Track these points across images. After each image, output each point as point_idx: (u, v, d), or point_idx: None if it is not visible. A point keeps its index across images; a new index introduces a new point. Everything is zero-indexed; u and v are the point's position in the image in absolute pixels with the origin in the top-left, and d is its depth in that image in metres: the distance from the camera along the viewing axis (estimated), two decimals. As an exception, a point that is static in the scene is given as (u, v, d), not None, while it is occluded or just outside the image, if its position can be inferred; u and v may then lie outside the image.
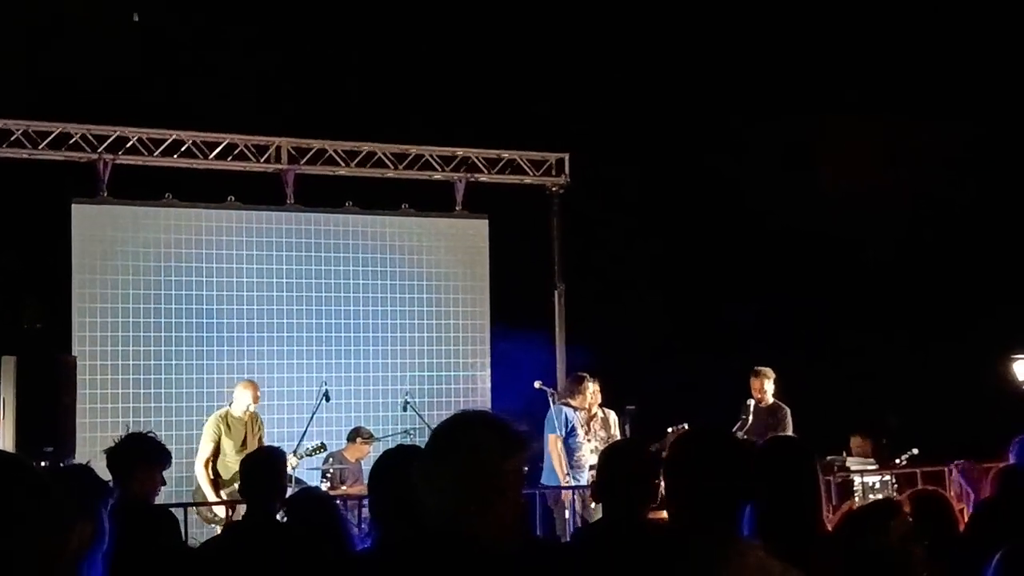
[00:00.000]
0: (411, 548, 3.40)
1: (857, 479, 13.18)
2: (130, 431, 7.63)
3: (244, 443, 12.22)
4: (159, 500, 7.31)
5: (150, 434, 7.24)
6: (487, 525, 3.37)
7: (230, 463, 12.08)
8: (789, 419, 13.25)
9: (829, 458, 14.05)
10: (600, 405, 13.55)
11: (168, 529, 6.82)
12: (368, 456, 12.84)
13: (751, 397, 13.29)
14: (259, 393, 12.69)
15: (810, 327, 16.58)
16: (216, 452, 12.30)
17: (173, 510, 7.74)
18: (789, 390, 13.61)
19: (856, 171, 16.64)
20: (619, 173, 16.49)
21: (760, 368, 13.41)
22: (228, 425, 12.42)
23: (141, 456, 6.90)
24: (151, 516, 6.68)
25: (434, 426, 3.60)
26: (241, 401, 12.52)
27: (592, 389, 13.38)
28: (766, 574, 3.82)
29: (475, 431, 3.45)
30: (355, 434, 13.15)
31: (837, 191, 16.57)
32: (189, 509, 11.21)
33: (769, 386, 13.31)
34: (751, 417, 13.14)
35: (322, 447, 12.71)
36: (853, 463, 14.16)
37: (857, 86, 16.81)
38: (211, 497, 12.10)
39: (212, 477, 12.25)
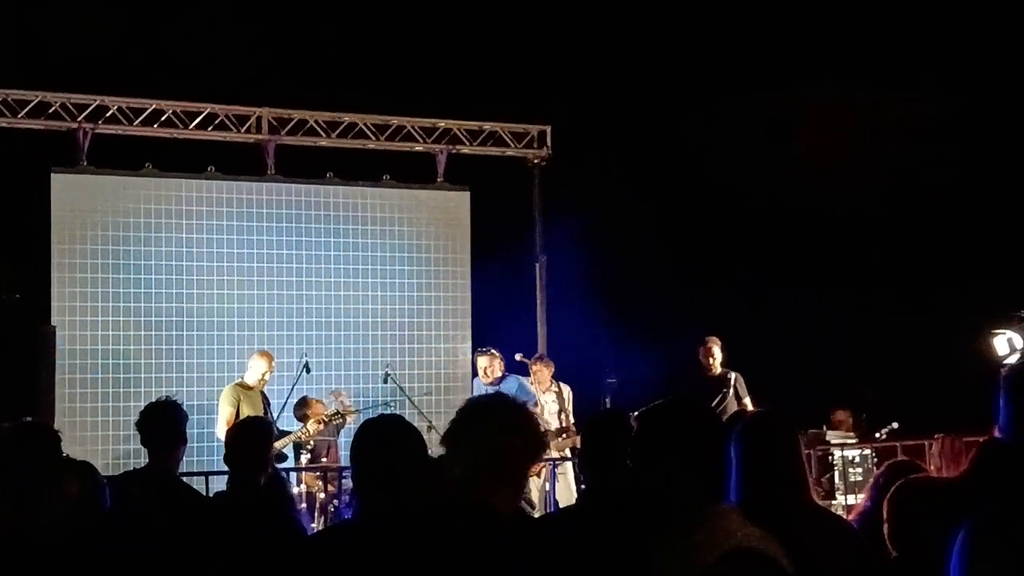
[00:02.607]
0: (395, 519, 3.52)
1: (837, 452, 13.21)
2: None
3: (266, 413, 12.24)
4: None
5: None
6: (506, 495, 3.60)
7: None
8: (743, 385, 13.34)
9: (810, 431, 14.12)
10: (554, 379, 13.66)
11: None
12: (349, 427, 12.81)
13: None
14: (274, 364, 12.71)
15: (791, 300, 16.57)
16: (236, 418, 12.21)
17: (189, 479, 7.79)
18: (771, 363, 13.64)
19: (834, 144, 16.62)
20: (600, 144, 16.46)
21: (708, 337, 13.49)
22: (246, 393, 12.40)
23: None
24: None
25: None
26: (256, 370, 12.53)
27: (483, 364, 13.61)
28: (744, 537, 3.83)
29: (500, 411, 3.67)
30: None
31: (816, 164, 16.55)
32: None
33: (716, 352, 13.41)
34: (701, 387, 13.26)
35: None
36: (833, 437, 14.23)
37: (835, 57, 16.77)
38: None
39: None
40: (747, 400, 13.13)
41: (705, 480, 4.07)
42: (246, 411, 12.18)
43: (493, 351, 13.62)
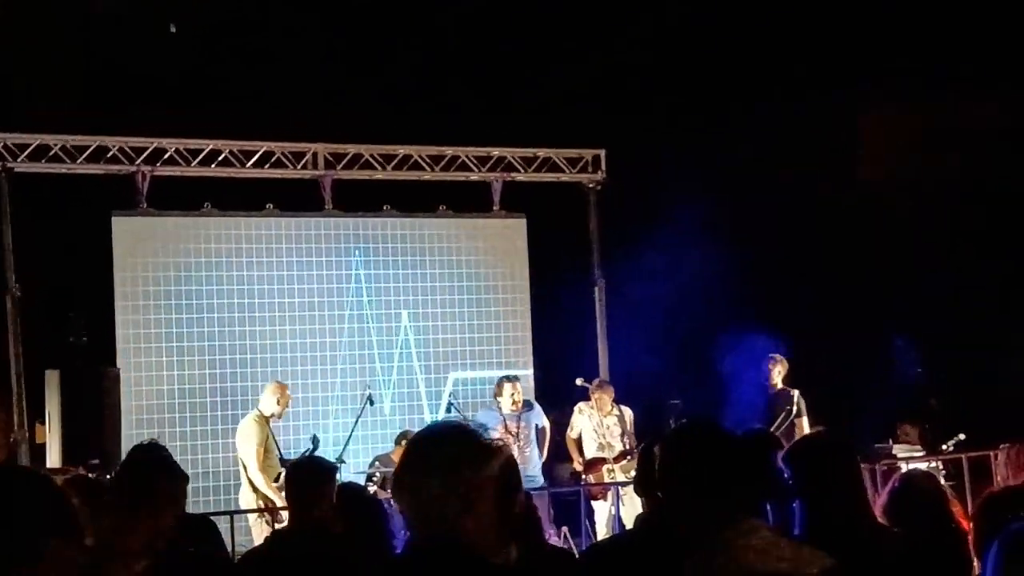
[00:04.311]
0: (424, 555, 3.48)
1: (903, 466, 13.10)
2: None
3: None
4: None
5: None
6: (479, 530, 3.42)
7: (275, 464, 12.06)
8: (802, 404, 13.27)
9: (876, 446, 14.03)
10: (615, 402, 13.66)
11: (214, 538, 6.88)
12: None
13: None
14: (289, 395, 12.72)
15: (856, 317, 16.47)
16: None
17: (216, 518, 7.80)
18: (838, 379, 13.56)
19: (896, 156, 16.49)
20: (657, 166, 16.43)
21: (771, 355, 13.48)
22: (268, 425, 12.39)
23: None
24: (193, 525, 6.71)
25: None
26: (278, 402, 12.48)
27: (509, 391, 13.57)
28: (771, 554, 3.81)
29: (447, 445, 3.52)
30: (402, 437, 13.15)
31: (879, 174, 16.42)
32: (235, 517, 11.24)
33: (776, 371, 13.50)
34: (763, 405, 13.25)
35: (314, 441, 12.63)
36: (900, 450, 14.12)
37: (903, 65, 16.54)
38: (278, 500, 11.97)
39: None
40: (804, 419, 13.10)
41: (724, 503, 4.03)
42: (272, 445, 12.22)
43: (518, 378, 13.73)
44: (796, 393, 13.27)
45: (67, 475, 7.65)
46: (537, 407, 13.81)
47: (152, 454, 7.07)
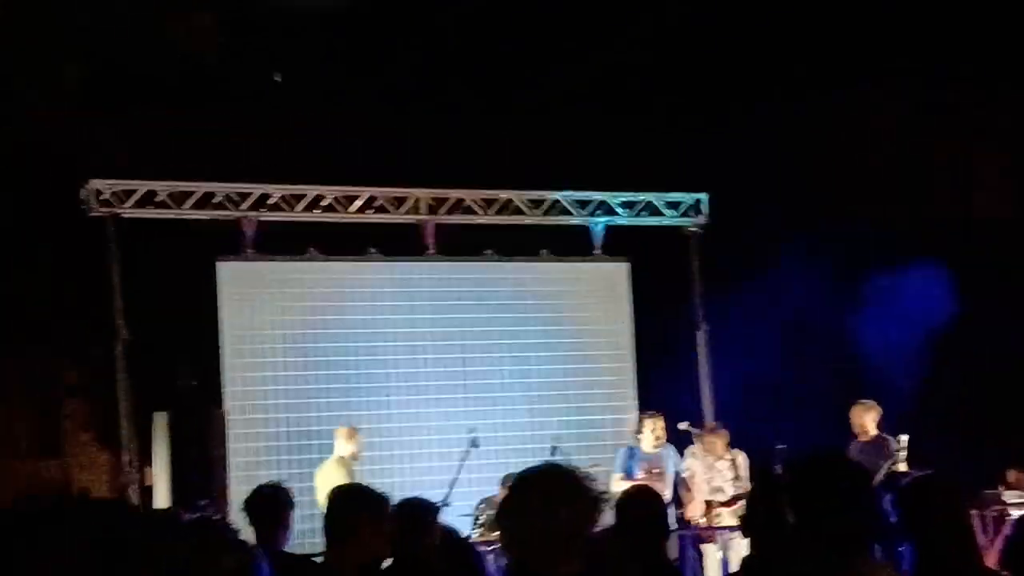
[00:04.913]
0: None
1: (1014, 512, 12.85)
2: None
3: None
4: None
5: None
6: (567, 568, 3.51)
7: None
8: (902, 453, 12.92)
9: (985, 492, 13.79)
10: (728, 446, 13.51)
11: None
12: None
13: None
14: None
15: (958, 360, 16.24)
16: None
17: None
18: (942, 424, 13.33)
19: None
20: (758, 211, 16.32)
21: (861, 400, 13.22)
22: (349, 467, 12.64)
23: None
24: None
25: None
26: (345, 446, 12.75)
27: (650, 427, 13.45)
28: None
29: (549, 485, 3.62)
30: (507, 479, 13.14)
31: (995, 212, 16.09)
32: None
33: (870, 418, 13.17)
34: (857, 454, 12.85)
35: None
36: (1010, 496, 13.88)
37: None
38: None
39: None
40: (901, 466, 12.82)
41: (849, 540, 3.96)
42: None
43: (660, 414, 13.61)
44: (903, 439, 12.92)
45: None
46: (673, 448, 13.64)
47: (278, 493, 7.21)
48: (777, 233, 16.08)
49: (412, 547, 6.22)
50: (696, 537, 13.16)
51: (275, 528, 6.98)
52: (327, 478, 12.40)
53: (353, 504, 5.77)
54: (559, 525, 3.54)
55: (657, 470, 13.29)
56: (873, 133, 16.76)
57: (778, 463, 13.40)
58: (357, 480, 12.42)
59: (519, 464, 13.46)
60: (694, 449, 13.62)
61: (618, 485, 12.55)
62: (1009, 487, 14.42)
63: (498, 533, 5.56)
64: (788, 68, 16.00)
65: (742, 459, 13.54)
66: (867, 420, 13.13)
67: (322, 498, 12.29)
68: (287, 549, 7.23)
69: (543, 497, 3.58)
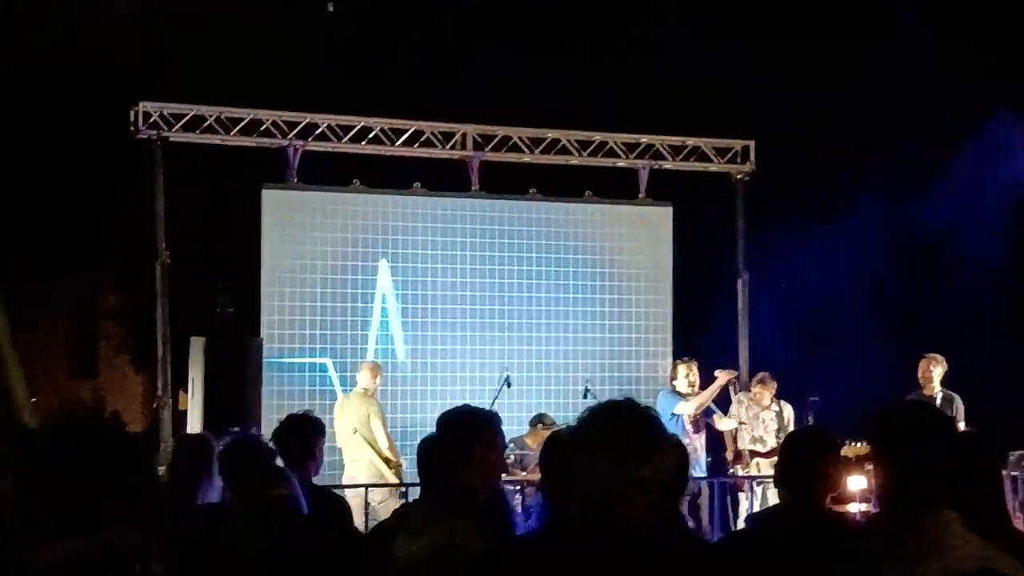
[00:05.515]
0: (571, 529, 3.47)
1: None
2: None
3: None
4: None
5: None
6: (638, 509, 3.45)
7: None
8: (961, 410, 12.77)
9: (1017, 453, 13.70)
10: (775, 398, 13.48)
11: (343, 514, 6.97)
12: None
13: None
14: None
15: (997, 318, 16.13)
16: None
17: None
18: (972, 382, 13.19)
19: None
20: (806, 159, 16.24)
21: (930, 354, 12.98)
22: None
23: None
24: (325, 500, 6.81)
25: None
26: (371, 380, 12.88)
27: (684, 372, 13.42)
28: (989, 563, 3.71)
29: (631, 430, 3.52)
30: (538, 420, 13.18)
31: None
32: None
33: (937, 372, 12.79)
34: None
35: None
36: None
37: None
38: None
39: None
40: (960, 424, 12.66)
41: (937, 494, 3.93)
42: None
43: (694, 359, 13.58)
44: (956, 397, 12.70)
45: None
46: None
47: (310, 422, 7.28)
48: (824, 183, 16.00)
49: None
50: (729, 485, 13.18)
51: (305, 458, 6.99)
52: (367, 411, 12.53)
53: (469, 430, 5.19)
54: (640, 471, 3.47)
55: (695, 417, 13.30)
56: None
57: (810, 414, 13.44)
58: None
59: (549, 405, 13.59)
60: (741, 397, 13.63)
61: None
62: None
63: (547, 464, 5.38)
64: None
65: (789, 411, 13.52)
66: (934, 374, 12.86)
67: (375, 430, 12.49)
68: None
69: (631, 442, 3.49)
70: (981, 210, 15.96)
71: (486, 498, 5.25)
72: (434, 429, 5.26)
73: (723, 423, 13.41)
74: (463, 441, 5.05)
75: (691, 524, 10.16)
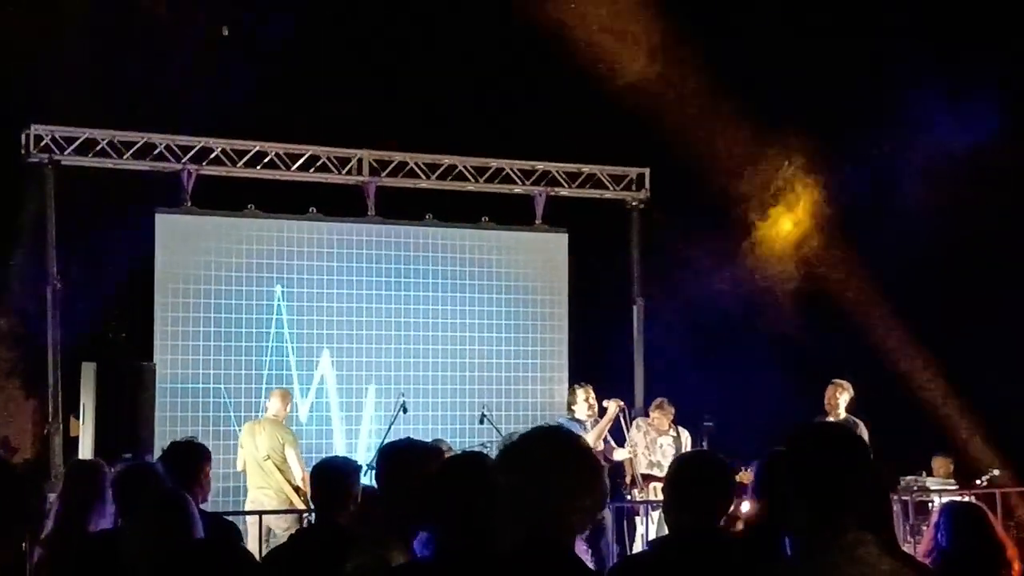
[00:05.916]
0: (478, 556, 3.50)
1: (936, 499, 12.96)
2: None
3: None
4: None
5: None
6: (572, 536, 3.55)
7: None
8: (865, 436, 12.86)
9: (908, 479, 13.93)
10: (673, 423, 13.57)
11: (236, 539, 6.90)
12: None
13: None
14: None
15: (890, 346, 16.35)
16: None
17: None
18: (871, 410, 13.36)
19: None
20: (699, 186, 16.35)
21: (837, 380, 13.07)
22: None
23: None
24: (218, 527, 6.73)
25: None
26: (281, 407, 12.84)
27: (583, 396, 13.32)
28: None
29: (550, 448, 3.59)
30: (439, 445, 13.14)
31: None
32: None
33: (843, 399, 12.87)
34: None
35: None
36: (933, 483, 14.03)
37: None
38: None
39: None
40: None
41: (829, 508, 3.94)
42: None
43: (589, 384, 13.58)
44: (862, 425, 12.22)
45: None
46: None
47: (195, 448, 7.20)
48: (716, 210, 16.15)
49: (332, 508, 6.19)
50: (627, 510, 13.22)
51: (191, 484, 6.91)
52: (280, 438, 12.45)
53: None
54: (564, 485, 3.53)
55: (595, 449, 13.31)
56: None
57: (704, 438, 13.54)
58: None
59: (446, 431, 13.56)
60: (639, 422, 13.68)
61: None
62: (933, 474, 14.59)
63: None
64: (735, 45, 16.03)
65: (686, 436, 13.61)
66: (840, 400, 12.90)
67: (288, 457, 12.39)
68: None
69: (552, 459, 3.56)
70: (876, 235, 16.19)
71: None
72: (330, 455, 5.34)
73: (618, 453, 13.42)
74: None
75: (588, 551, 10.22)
